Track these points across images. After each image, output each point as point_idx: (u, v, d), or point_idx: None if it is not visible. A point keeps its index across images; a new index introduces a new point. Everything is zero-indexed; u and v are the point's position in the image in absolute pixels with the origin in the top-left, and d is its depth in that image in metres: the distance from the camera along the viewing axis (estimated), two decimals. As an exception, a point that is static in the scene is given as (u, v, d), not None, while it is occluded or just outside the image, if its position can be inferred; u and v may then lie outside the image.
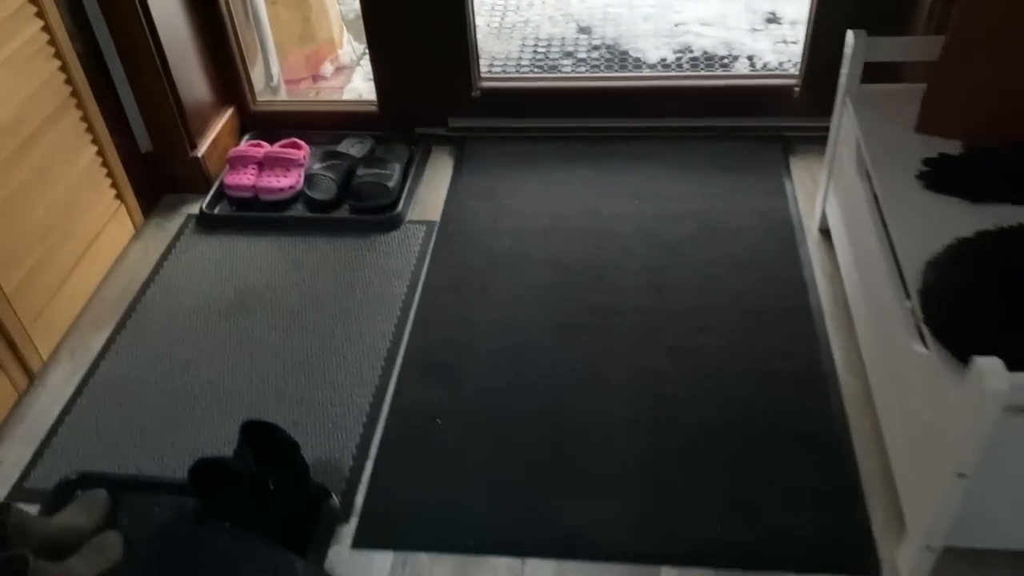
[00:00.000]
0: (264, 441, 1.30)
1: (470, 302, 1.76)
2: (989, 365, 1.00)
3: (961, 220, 1.33)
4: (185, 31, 2.03)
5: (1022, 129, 1.45)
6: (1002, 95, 1.44)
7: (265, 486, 1.26)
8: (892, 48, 1.62)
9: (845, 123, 1.68)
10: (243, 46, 2.21)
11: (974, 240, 1.28)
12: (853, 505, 1.36)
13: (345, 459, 1.49)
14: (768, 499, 1.37)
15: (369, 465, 1.48)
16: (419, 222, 1.99)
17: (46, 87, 1.70)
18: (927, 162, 1.46)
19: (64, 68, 1.75)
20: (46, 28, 1.69)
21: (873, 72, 1.64)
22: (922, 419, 1.19)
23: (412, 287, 1.81)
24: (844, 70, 1.65)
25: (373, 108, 2.23)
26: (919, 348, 1.22)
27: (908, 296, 1.27)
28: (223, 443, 1.52)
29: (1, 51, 1.57)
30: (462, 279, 1.82)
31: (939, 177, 1.43)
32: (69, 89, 1.77)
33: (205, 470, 1.28)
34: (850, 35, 1.61)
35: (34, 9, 1.66)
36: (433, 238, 1.94)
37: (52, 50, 1.71)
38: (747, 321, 1.67)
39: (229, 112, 2.22)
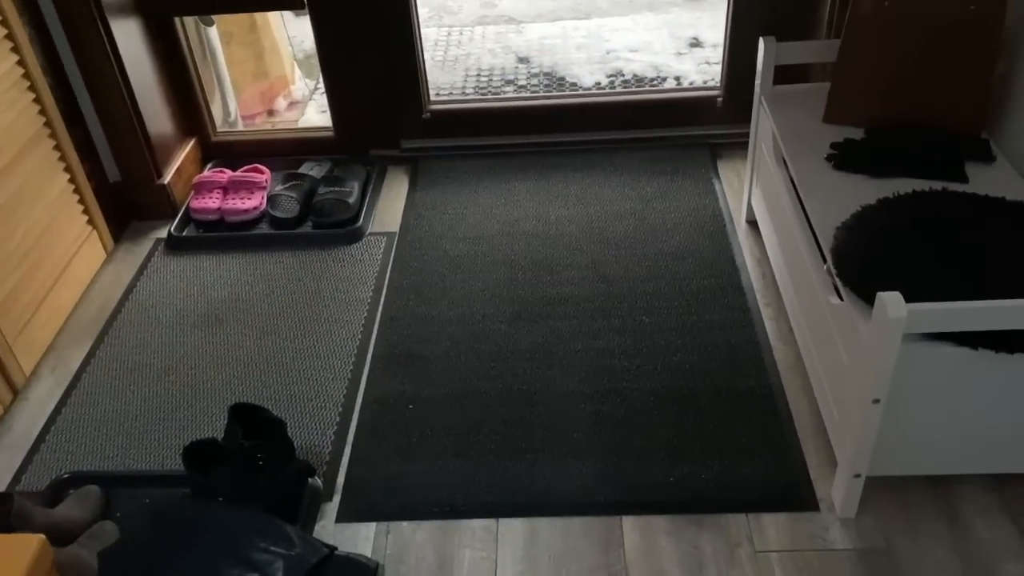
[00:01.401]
0: (252, 422, 1.40)
1: (432, 301, 1.89)
2: (890, 298, 1.16)
3: (865, 192, 1.52)
4: (149, 68, 2.15)
5: (912, 114, 1.65)
6: (892, 86, 1.65)
7: (255, 461, 1.36)
8: (798, 52, 1.82)
9: (762, 121, 1.87)
10: (203, 82, 2.34)
11: (876, 206, 1.47)
12: (790, 452, 1.51)
13: (324, 445, 1.59)
14: (713, 452, 1.52)
15: (347, 449, 1.59)
16: (379, 233, 2.12)
17: (22, 117, 1.80)
18: (834, 146, 1.65)
19: (38, 100, 1.85)
20: (21, 62, 1.80)
21: (785, 75, 1.85)
22: (841, 361, 1.36)
23: (377, 291, 1.94)
24: (758, 74, 1.85)
25: (329, 133, 2.37)
26: (835, 300, 1.38)
27: (824, 259, 1.45)
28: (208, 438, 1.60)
29: (-19, 83, 1.67)
30: (423, 281, 1.95)
31: (845, 158, 1.62)
32: (43, 120, 1.87)
33: (197, 451, 1.37)
34: (761, 42, 1.81)
35: (10, 44, 1.77)
36: (394, 247, 2.07)
37: (27, 83, 1.82)
38: (686, 302, 1.83)
39: (192, 143, 2.34)
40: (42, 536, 1.01)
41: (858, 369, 1.27)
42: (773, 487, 1.45)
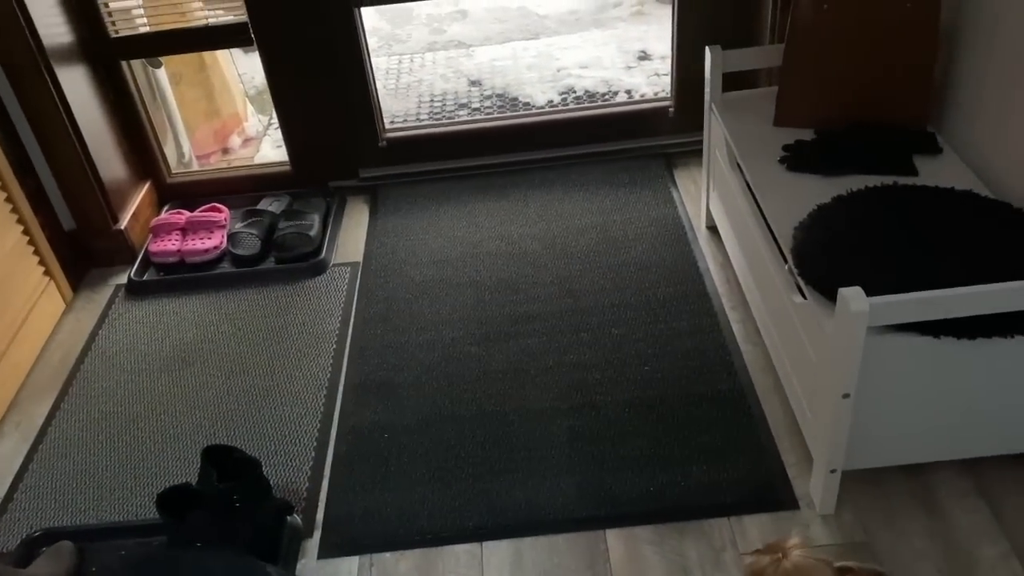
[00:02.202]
0: (226, 463, 1.38)
1: (400, 328, 1.89)
2: (852, 293, 1.18)
3: (820, 191, 1.54)
4: (98, 113, 2.13)
5: (859, 112, 1.69)
6: (837, 86, 1.68)
7: (231, 503, 1.34)
8: (744, 59, 1.86)
9: (715, 128, 1.90)
10: (154, 124, 2.32)
11: (831, 204, 1.49)
12: (766, 452, 1.52)
13: (301, 481, 1.57)
14: (691, 458, 1.52)
15: (325, 484, 1.57)
16: (343, 264, 2.11)
17: (-30, 171, 1.77)
18: (786, 148, 1.68)
19: (-15, 152, 1.83)
20: (-34, 116, 1.77)
21: (733, 82, 1.88)
22: (809, 358, 1.37)
23: (345, 322, 1.93)
24: (707, 82, 1.88)
25: (286, 168, 2.36)
26: (798, 299, 1.40)
27: (785, 260, 1.47)
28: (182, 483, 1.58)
29: (-75, 139, 1.64)
30: (391, 308, 1.94)
31: (797, 160, 1.65)
32: (-8, 172, 1.85)
33: (172, 497, 1.34)
34: (708, 51, 1.84)
35: (-47, 98, 1.74)
36: (359, 277, 2.06)
37: (-27, 136, 1.80)
38: (653, 311, 1.85)
39: (147, 186, 2.31)
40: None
41: (826, 365, 1.28)
42: (752, 489, 1.46)
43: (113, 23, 2.11)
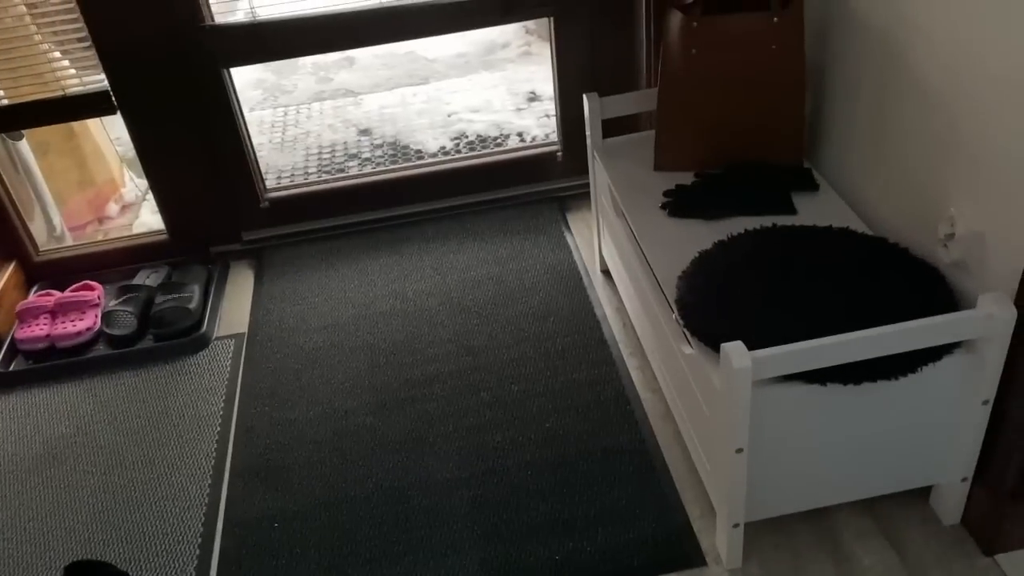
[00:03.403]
0: (91, 580, 1.27)
1: (290, 403, 1.79)
2: (734, 348, 1.16)
3: (701, 237, 1.53)
4: (-51, 193, 1.98)
5: (736, 153, 1.69)
6: (713, 129, 1.68)
7: (99, 625, 1.22)
8: (621, 104, 1.84)
9: (598, 174, 1.88)
10: (17, 199, 2.18)
11: (712, 251, 1.48)
12: (671, 507, 1.48)
13: (186, 584, 1.46)
14: (595, 519, 1.47)
15: (212, 585, 1.46)
16: (227, 336, 2.00)
17: None
18: (666, 194, 1.67)
19: None
20: None
21: (615, 126, 1.87)
22: (702, 411, 1.35)
23: (229, 400, 1.82)
24: (587, 127, 1.86)
25: (163, 236, 2.24)
26: (687, 350, 1.38)
27: (672, 309, 1.44)
28: (50, 600, 1.45)
29: None
30: (278, 382, 1.85)
31: (678, 206, 1.63)
32: None
33: (31, 625, 1.22)
34: (585, 98, 1.82)
35: None
36: (243, 349, 1.96)
37: None
38: (553, 363, 1.80)
39: (11, 267, 2.16)
40: None
41: (717, 419, 1.26)
42: (658, 548, 1.42)
43: (-41, 98, 1.98)
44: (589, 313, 1.94)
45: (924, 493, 1.43)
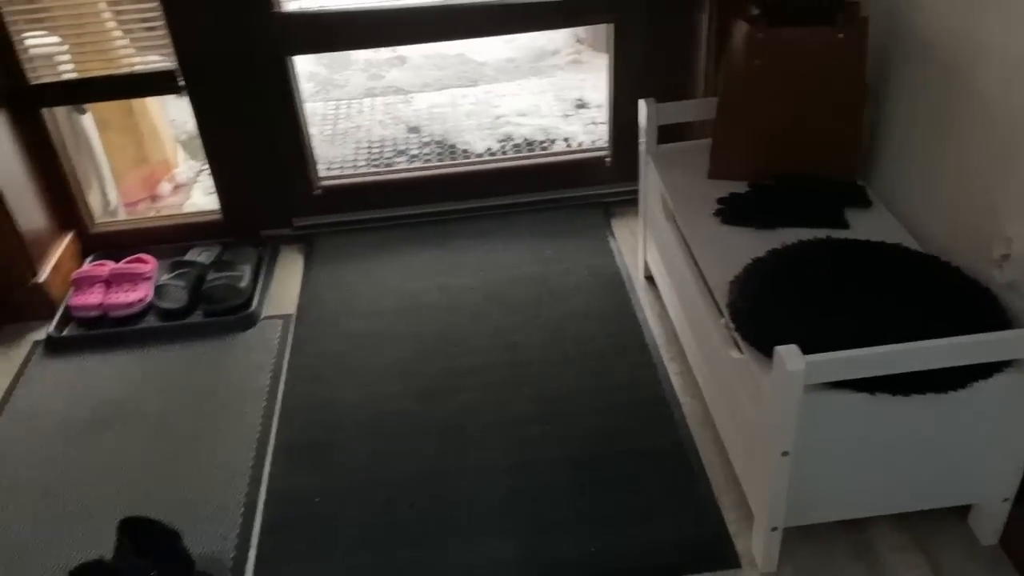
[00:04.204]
0: (144, 536, 1.30)
1: (334, 384, 1.83)
2: (788, 351, 1.18)
3: (754, 244, 1.55)
4: (17, 162, 2.04)
5: (791, 165, 1.71)
6: (770, 140, 1.70)
7: (148, 580, 1.26)
8: (677, 111, 1.87)
9: (650, 180, 1.90)
10: (77, 172, 2.24)
11: (766, 258, 1.50)
12: (707, 508, 1.50)
13: (227, 551, 1.49)
14: (632, 517, 1.49)
15: (252, 554, 1.49)
16: (275, 317, 2.04)
17: None
18: (720, 201, 1.69)
19: None
20: None
21: (668, 133, 1.89)
22: (747, 415, 1.36)
23: (275, 378, 1.86)
24: (641, 134, 1.88)
25: (217, 217, 2.29)
26: (735, 354, 1.40)
27: (721, 314, 1.46)
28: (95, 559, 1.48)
29: None
30: (324, 364, 1.88)
31: (731, 213, 1.66)
32: (-103, 225, 1.75)
33: (85, 574, 1.26)
34: (642, 104, 1.85)
35: None
36: (291, 330, 2.00)
37: None
38: (592, 363, 1.83)
39: (69, 236, 2.22)
40: None
41: (764, 423, 1.27)
42: (694, 547, 1.44)
43: (34, 69, 2.04)
44: (631, 317, 1.96)
45: (964, 512, 1.43)
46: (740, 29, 1.62)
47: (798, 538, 1.43)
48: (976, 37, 1.37)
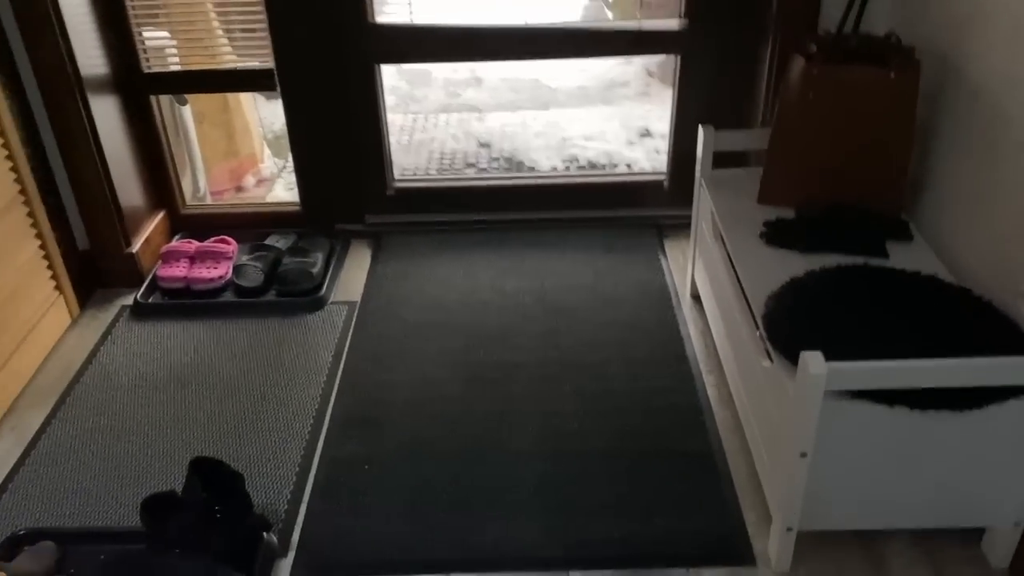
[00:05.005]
0: (211, 475, 1.44)
1: (390, 366, 1.96)
2: (812, 356, 1.27)
3: (794, 265, 1.64)
4: (124, 143, 2.25)
5: (838, 196, 1.79)
6: (819, 171, 1.79)
7: (212, 513, 1.39)
8: (734, 139, 1.98)
9: (703, 202, 2.01)
10: (175, 158, 2.44)
11: (803, 278, 1.59)
12: (729, 509, 1.58)
13: (280, 504, 1.63)
14: (656, 509, 1.58)
15: (303, 508, 1.63)
16: (341, 302, 2.20)
17: (-2, 184, 1.88)
18: (766, 224, 1.78)
19: (15, 168, 1.93)
20: (0, 131, 1.88)
21: (724, 161, 2.00)
22: (772, 420, 1.45)
23: (337, 357, 2.00)
24: (699, 158, 1.99)
25: (296, 208, 2.47)
26: (766, 363, 1.49)
27: (757, 326, 1.55)
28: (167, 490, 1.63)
29: (-39, 150, 1.75)
30: (382, 347, 2.02)
31: (776, 235, 1.75)
32: (18, 187, 1.95)
33: (156, 503, 1.41)
34: (701, 129, 1.96)
35: (-9, 115, 1.86)
36: (355, 316, 2.15)
37: (5, 152, 1.90)
38: (633, 369, 1.93)
39: (161, 215, 2.42)
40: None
41: (786, 424, 1.36)
42: (713, 543, 1.52)
43: (147, 59, 2.25)
44: (674, 330, 2.05)
45: (978, 536, 1.49)
46: (797, 64, 1.73)
47: (813, 545, 1.50)
48: (1018, 87, 1.45)
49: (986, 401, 1.30)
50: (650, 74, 3.72)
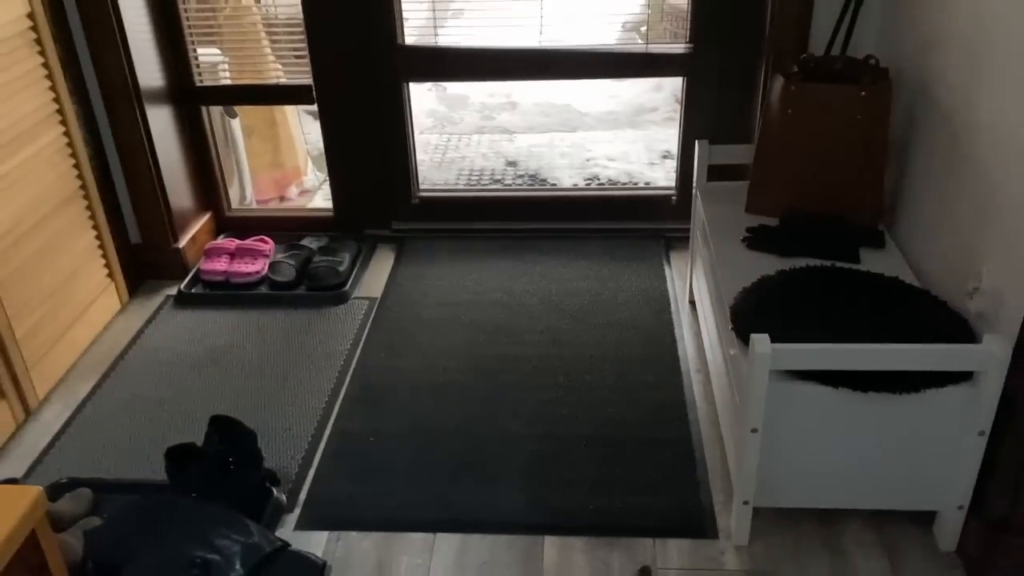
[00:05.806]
0: (228, 431, 1.63)
1: (402, 354, 2.14)
2: (759, 338, 1.40)
3: (769, 266, 1.77)
4: (176, 149, 2.49)
5: (819, 206, 1.91)
6: (800, 183, 1.92)
7: (227, 464, 1.57)
8: (726, 153, 2.12)
9: (698, 211, 2.15)
10: (223, 166, 2.68)
11: (773, 276, 1.72)
12: (698, 489, 1.70)
13: (292, 468, 1.80)
14: (631, 488, 1.71)
15: (311, 472, 1.80)
16: (363, 298, 2.39)
17: (61, 178, 2.12)
18: (749, 230, 1.92)
19: (77, 165, 2.17)
20: (66, 133, 2.13)
21: (730, 175, 2.13)
22: (735, 403, 1.58)
23: (355, 344, 2.19)
24: (695, 170, 2.14)
25: (328, 213, 2.68)
26: (733, 351, 1.62)
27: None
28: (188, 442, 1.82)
29: (32, 146, 1.99)
30: (397, 338, 2.20)
31: (756, 240, 1.88)
32: (79, 183, 2.19)
33: (178, 452, 1.59)
34: (697, 144, 2.11)
35: (59, 117, 2.10)
36: (374, 310, 2.33)
37: (69, 150, 2.15)
38: (626, 365, 2.06)
39: (208, 216, 2.65)
40: (40, 488, 1.23)
41: (740, 403, 1.49)
42: (680, 518, 1.65)
43: (200, 74, 2.49)
44: (669, 332, 2.19)
45: (930, 519, 1.58)
46: (777, 82, 1.87)
47: (773, 521, 1.61)
48: (973, 105, 1.57)
49: (923, 385, 1.41)
50: (677, 101, 3.87)
